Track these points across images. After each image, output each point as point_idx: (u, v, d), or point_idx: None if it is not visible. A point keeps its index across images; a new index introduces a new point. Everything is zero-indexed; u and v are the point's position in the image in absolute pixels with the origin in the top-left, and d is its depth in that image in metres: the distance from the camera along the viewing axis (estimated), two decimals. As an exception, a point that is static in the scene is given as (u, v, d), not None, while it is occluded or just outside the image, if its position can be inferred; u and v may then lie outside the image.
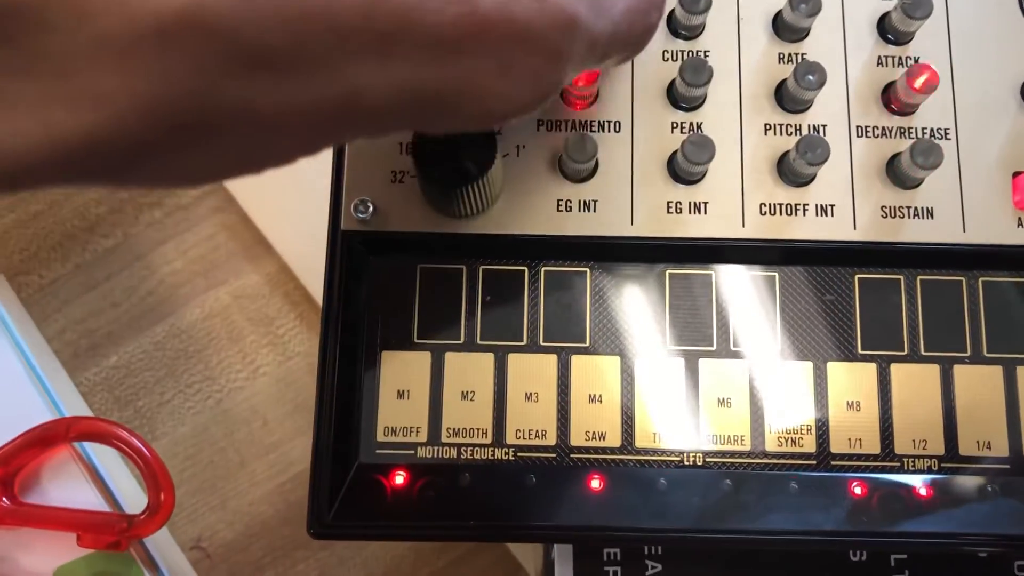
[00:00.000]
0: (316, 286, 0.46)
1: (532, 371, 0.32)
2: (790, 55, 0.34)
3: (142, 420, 0.46)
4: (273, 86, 0.19)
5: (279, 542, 0.45)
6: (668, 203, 0.33)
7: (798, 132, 0.33)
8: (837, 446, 0.32)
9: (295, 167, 0.44)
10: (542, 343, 0.33)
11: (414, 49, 0.20)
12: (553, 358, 0.32)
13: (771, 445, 0.32)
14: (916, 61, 0.33)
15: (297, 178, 0.46)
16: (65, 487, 0.40)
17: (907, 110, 0.33)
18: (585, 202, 0.33)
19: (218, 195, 0.48)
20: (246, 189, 0.47)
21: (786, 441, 0.32)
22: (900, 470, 0.32)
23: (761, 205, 0.33)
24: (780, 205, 0.32)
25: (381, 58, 0.20)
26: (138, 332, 0.47)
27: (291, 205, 0.46)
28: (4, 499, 0.39)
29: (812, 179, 0.33)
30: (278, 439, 0.46)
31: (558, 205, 0.33)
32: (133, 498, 0.42)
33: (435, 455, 0.32)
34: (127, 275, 0.47)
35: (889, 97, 0.33)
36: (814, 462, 0.32)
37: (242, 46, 0.18)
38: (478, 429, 0.32)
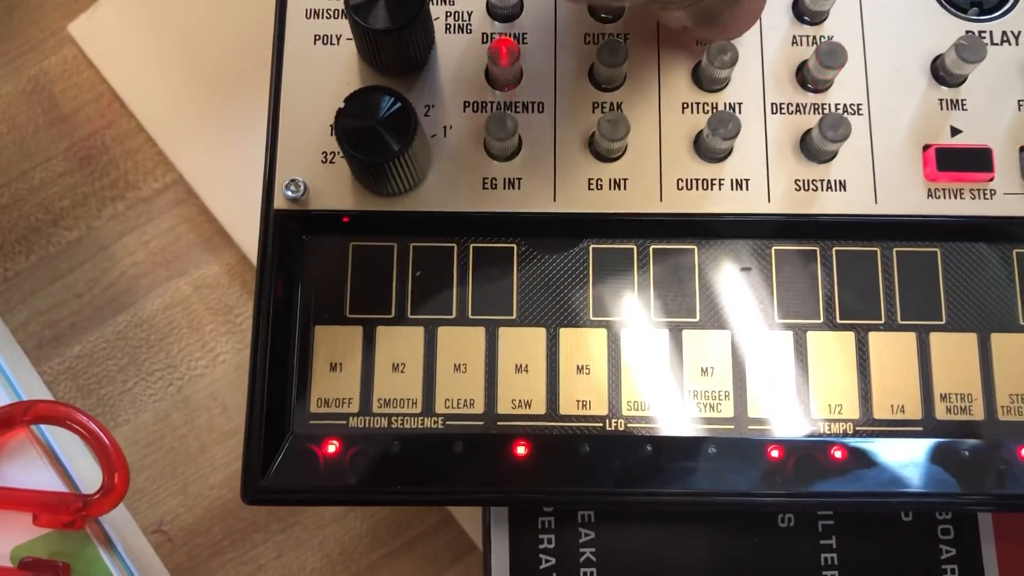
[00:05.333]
0: (274, 275, 0.47)
1: (461, 343, 0.34)
2: (707, 36, 0.35)
3: (105, 408, 0.47)
4: None
5: (239, 525, 0.46)
6: (589, 180, 0.34)
7: (714, 110, 0.34)
8: (754, 410, 0.33)
9: (256, 159, 0.45)
10: (471, 316, 0.34)
11: None
12: (481, 330, 0.34)
13: (691, 411, 0.33)
14: (830, 39, 0.35)
15: (256, 171, 0.47)
16: (22, 469, 0.41)
17: (820, 87, 0.34)
18: (510, 180, 0.34)
19: (178, 188, 0.49)
20: (206, 182, 0.48)
21: (705, 406, 0.33)
22: (816, 434, 0.33)
23: (678, 180, 0.34)
24: (696, 180, 0.34)
25: None
26: (100, 322, 0.48)
27: (250, 197, 0.47)
28: (-38, 481, 0.40)
29: (727, 155, 0.34)
30: (237, 425, 0.47)
31: (484, 183, 0.34)
32: (93, 480, 0.43)
33: (366, 425, 0.33)
34: (90, 267, 0.49)
35: (803, 75, 0.34)
36: (732, 427, 0.33)
37: None
38: (408, 399, 0.33)
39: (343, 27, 0.35)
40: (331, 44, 0.35)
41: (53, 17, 0.51)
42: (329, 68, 0.35)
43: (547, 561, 0.37)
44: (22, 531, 0.40)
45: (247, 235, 0.48)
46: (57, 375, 0.48)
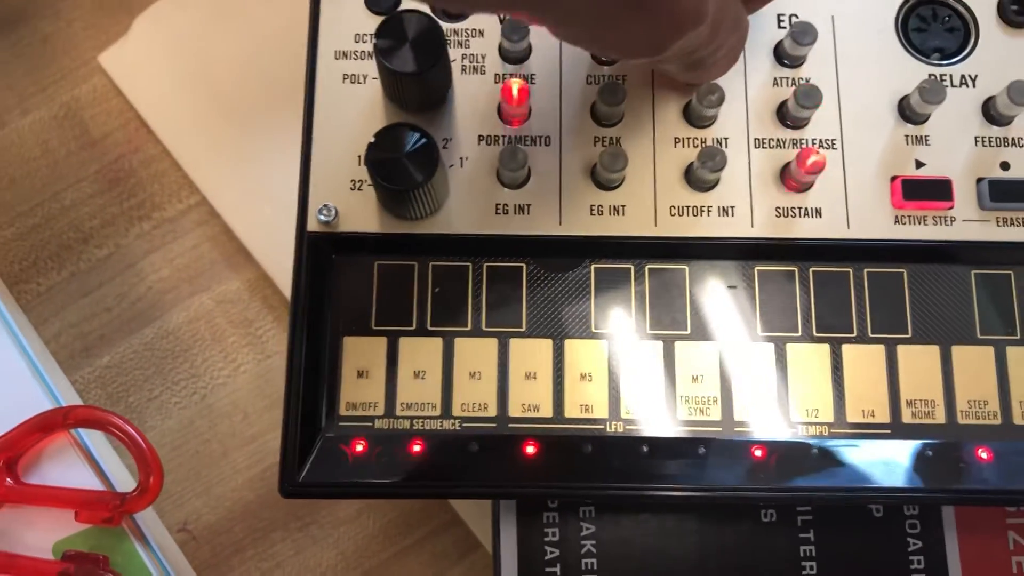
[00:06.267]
0: (292, 291, 0.50)
1: (476, 353, 0.37)
2: (697, 77, 0.39)
3: (132, 415, 0.50)
4: None
5: (259, 524, 0.49)
6: (591, 206, 0.37)
7: (703, 145, 0.38)
8: (740, 414, 0.37)
9: (275, 182, 0.48)
10: (484, 328, 0.37)
11: None
12: (494, 341, 0.37)
13: (682, 414, 0.37)
14: (807, 82, 0.38)
15: (275, 193, 0.50)
16: (63, 469, 0.44)
17: (799, 124, 0.38)
18: (520, 206, 0.37)
19: (202, 209, 0.52)
20: (228, 203, 0.51)
21: (695, 411, 0.37)
22: (795, 435, 0.36)
23: (671, 207, 0.37)
24: (687, 207, 0.37)
25: None
26: (128, 334, 0.51)
27: (270, 218, 0.50)
28: (8, 480, 0.42)
29: (715, 184, 0.38)
30: (257, 431, 0.50)
31: (496, 208, 0.37)
32: (124, 481, 0.46)
33: (390, 426, 0.36)
34: (118, 282, 0.51)
35: (783, 113, 0.38)
36: (719, 429, 0.36)
37: None
38: (428, 403, 0.37)
39: (369, 67, 0.39)
40: (358, 83, 0.38)
41: (84, 48, 0.54)
42: (356, 104, 0.38)
43: (551, 552, 0.40)
44: (63, 527, 0.43)
45: (267, 253, 0.50)
46: (87, 384, 0.50)
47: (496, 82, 0.38)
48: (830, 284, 0.38)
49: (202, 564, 0.48)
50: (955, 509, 0.41)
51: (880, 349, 0.37)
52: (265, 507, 0.49)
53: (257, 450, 0.50)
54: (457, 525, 0.48)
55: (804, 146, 0.38)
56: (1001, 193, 0.37)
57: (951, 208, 0.38)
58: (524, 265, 0.38)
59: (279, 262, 0.50)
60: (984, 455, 0.36)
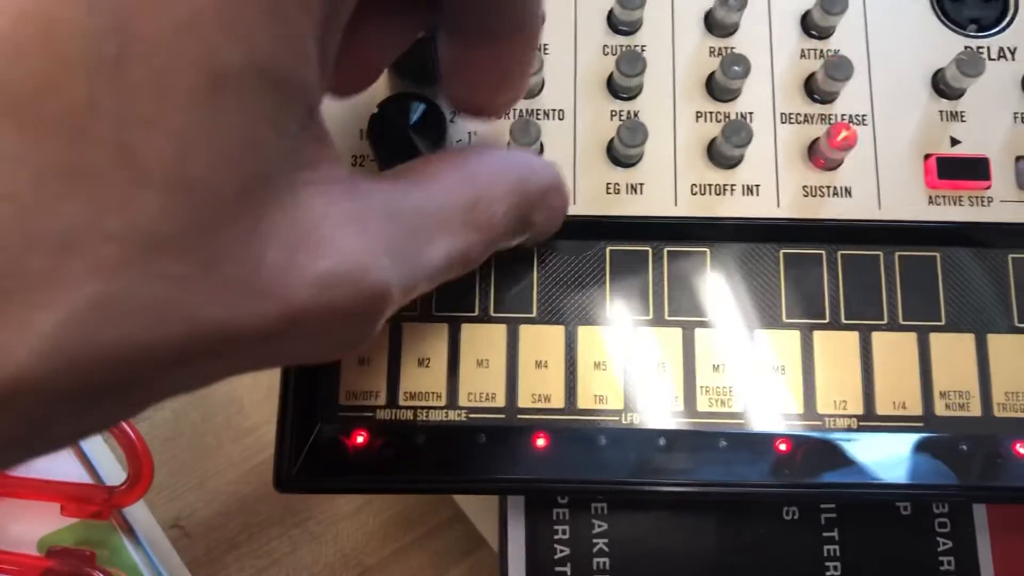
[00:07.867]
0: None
1: (483, 340, 0.35)
2: (720, 49, 0.36)
3: (123, 404, 0.48)
4: (102, 413, 0.19)
5: (254, 520, 0.48)
6: (607, 184, 0.35)
7: (727, 119, 0.36)
8: (763, 406, 0.34)
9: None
10: (493, 314, 0.35)
11: (239, 351, 0.20)
12: (503, 328, 0.35)
13: (702, 405, 0.34)
14: (836, 53, 0.36)
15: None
16: (50, 460, 0.42)
17: (828, 98, 0.36)
18: (531, 183, 0.35)
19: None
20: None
21: (716, 402, 0.35)
22: (821, 428, 0.34)
23: (692, 186, 0.35)
24: (710, 186, 0.35)
25: (205, 364, 0.20)
26: (120, 320, 0.49)
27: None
28: (-9, 472, 0.41)
29: (739, 161, 0.35)
30: (253, 423, 0.49)
31: (506, 186, 0.35)
32: (113, 474, 0.44)
33: (393, 417, 0.34)
34: (110, 267, 0.50)
35: (811, 86, 0.36)
36: (741, 421, 0.34)
37: (64, 400, 0.18)
38: (433, 393, 0.35)
39: (371, 36, 0.37)
40: (360, 52, 0.36)
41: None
42: (358, 75, 0.36)
43: (562, 551, 0.38)
44: (49, 521, 0.41)
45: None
46: (77, 373, 0.49)
47: (506, 52, 0.36)
48: (859, 268, 0.36)
49: (195, 561, 0.47)
50: (987, 507, 0.39)
51: (912, 337, 0.35)
52: (261, 502, 0.48)
53: (253, 443, 0.48)
54: (460, 521, 0.47)
55: (834, 121, 0.36)
56: (1042, 172, 0.35)
57: (988, 188, 0.36)
58: (535, 247, 0.35)
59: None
60: (1023, 450, 0.34)
